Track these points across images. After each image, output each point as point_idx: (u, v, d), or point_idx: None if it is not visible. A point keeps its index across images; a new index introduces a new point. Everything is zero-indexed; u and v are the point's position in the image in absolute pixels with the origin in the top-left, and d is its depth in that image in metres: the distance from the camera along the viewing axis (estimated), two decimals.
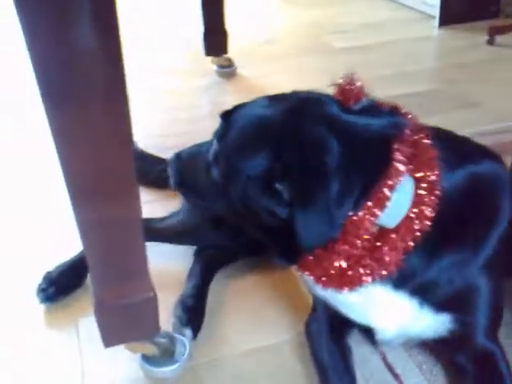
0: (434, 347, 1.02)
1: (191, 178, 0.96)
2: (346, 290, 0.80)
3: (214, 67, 2.21)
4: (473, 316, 0.88)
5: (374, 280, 0.78)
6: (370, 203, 0.74)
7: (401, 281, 0.83)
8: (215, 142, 0.87)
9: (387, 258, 0.76)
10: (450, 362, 0.99)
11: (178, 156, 1.00)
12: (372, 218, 0.74)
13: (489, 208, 0.88)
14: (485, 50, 2.33)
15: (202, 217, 1.20)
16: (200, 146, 0.97)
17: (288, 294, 1.19)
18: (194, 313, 1.10)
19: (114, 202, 0.79)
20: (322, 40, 2.55)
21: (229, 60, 2.21)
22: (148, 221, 1.26)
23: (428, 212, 0.76)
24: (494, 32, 2.35)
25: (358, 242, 0.74)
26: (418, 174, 0.77)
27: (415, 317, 0.87)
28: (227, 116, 0.88)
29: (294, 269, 1.16)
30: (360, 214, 0.74)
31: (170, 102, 2.04)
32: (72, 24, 0.64)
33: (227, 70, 2.21)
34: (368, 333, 0.96)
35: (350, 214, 0.74)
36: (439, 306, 0.86)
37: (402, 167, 0.74)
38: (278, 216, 0.77)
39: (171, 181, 1.00)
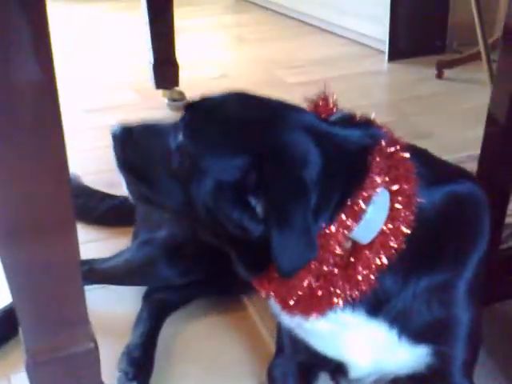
0: None
1: (142, 161, 0.81)
2: (314, 316, 0.74)
3: (166, 101, 2.17)
4: (452, 348, 0.82)
5: (345, 303, 0.72)
6: (343, 215, 0.69)
7: (374, 306, 0.76)
8: (181, 130, 0.76)
9: (359, 277, 0.71)
10: None
11: (126, 130, 0.82)
12: (345, 232, 0.69)
13: (469, 228, 0.84)
14: (434, 84, 2.38)
15: (153, 252, 1.12)
16: (154, 125, 0.83)
17: (247, 338, 1.11)
18: (141, 365, 1.00)
19: (47, 242, 0.72)
20: (275, 75, 2.55)
21: (181, 93, 2.17)
22: (91, 262, 1.17)
23: (404, 228, 0.72)
24: (442, 66, 2.41)
25: (330, 257, 0.69)
26: (395, 187, 0.72)
27: (391, 349, 0.80)
28: (193, 107, 0.79)
29: (254, 302, 1.11)
30: (333, 227, 0.69)
31: None
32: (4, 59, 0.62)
33: (179, 104, 2.16)
34: (338, 374, 0.89)
35: (323, 226, 0.69)
36: (417, 336, 0.79)
37: (378, 179, 0.71)
38: (249, 232, 0.70)
39: (114, 159, 0.83)
